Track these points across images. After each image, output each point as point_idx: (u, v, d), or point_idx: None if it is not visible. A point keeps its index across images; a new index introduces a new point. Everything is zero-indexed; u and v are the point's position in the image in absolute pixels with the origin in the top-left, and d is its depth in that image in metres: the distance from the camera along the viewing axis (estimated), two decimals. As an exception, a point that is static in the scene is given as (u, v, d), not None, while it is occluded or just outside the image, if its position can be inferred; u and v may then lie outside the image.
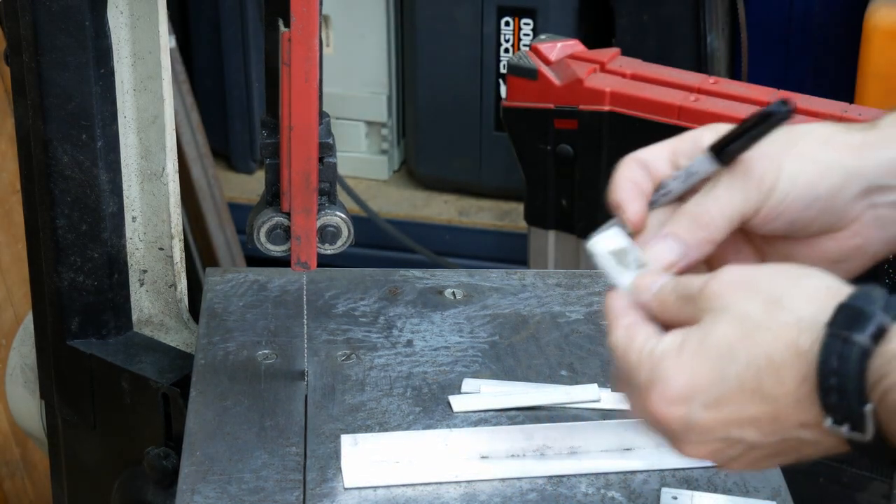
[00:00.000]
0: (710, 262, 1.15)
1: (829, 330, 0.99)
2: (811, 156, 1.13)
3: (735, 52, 3.35)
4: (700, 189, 1.13)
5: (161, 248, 1.66)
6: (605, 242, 1.13)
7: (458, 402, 1.46)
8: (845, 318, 0.99)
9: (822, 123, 1.17)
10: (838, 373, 0.98)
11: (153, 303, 1.69)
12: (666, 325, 1.09)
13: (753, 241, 1.18)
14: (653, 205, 1.15)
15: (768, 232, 1.15)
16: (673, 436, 1.06)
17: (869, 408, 0.97)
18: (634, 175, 1.16)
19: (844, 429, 0.99)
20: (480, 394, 1.48)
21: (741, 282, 1.06)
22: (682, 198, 1.14)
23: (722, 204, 1.11)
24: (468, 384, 1.49)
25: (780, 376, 1.01)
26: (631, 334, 1.09)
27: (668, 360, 1.04)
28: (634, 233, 1.15)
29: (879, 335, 0.98)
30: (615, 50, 2.66)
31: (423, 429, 1.42)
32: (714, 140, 1.12)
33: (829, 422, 0.99)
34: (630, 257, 1.12)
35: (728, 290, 1.05)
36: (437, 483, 1.35)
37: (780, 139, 1.12)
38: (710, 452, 1.06)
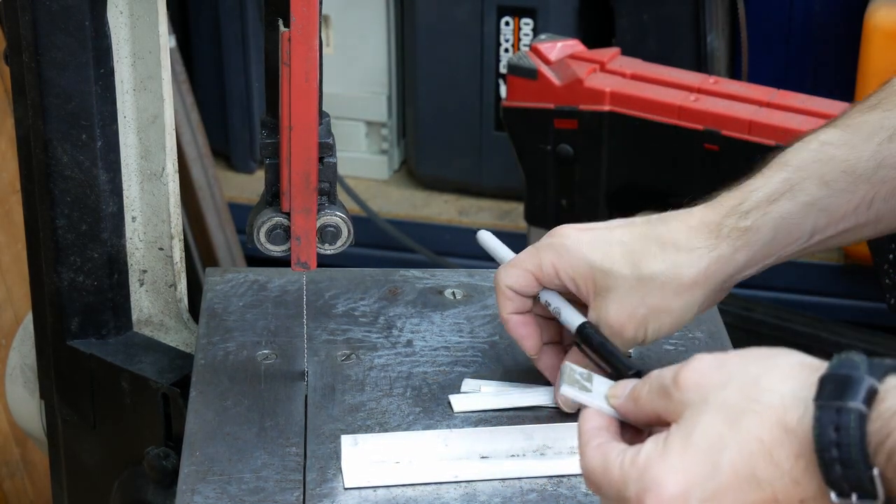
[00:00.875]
0: None
1: (820, 403, 0.98)
2: (667, 310, 1.36)
3: (735, 52, 3.35)
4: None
5: (161, 248, 1.66)
6: (568, 387, 1.17)
7: (458, 402, 1.46)
8: (833, 388, 0.98)
9: (670, 248, 1.36)
10: (838, 443, 0.96)
11: (153, 303, 1.69)
12: (640, 425, 1.11)
13: None
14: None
15: None
16: None
17: (876, 472, 0.96)
18: (516, 306, 1.42)
19: (853, 498, 0.97)
20: (480, 393, 1.48)
21: (714, 370, 1.06)
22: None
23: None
24: (468, 384, 1.49)
25: (774, 458, 1.00)
26: (604, 452, 1.08)
27: (656, 464, 1.03)
28: (533, 359, 1.45)
29: (871, 398, 0.97)
30: (615, 50, 2.67)
31: (423, 429, 1.42)
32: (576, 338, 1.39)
33: (833, 495, 0.98)
34: (584, 379, 1.17)
35: (703, 379, 1.06)
36: (437, 483, 1.35)
37: (634, 296, 1.35)
38: None
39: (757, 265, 1.38)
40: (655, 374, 1.10)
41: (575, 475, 1.36)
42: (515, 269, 1.41)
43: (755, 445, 1.00)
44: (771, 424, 1.00)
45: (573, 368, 1.16)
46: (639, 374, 1.32)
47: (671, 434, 1.04)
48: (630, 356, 1.48)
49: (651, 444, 1.05)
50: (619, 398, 1.12)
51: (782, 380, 1.02)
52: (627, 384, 1.12)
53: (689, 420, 1.04)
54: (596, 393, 1.14)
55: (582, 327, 1.38)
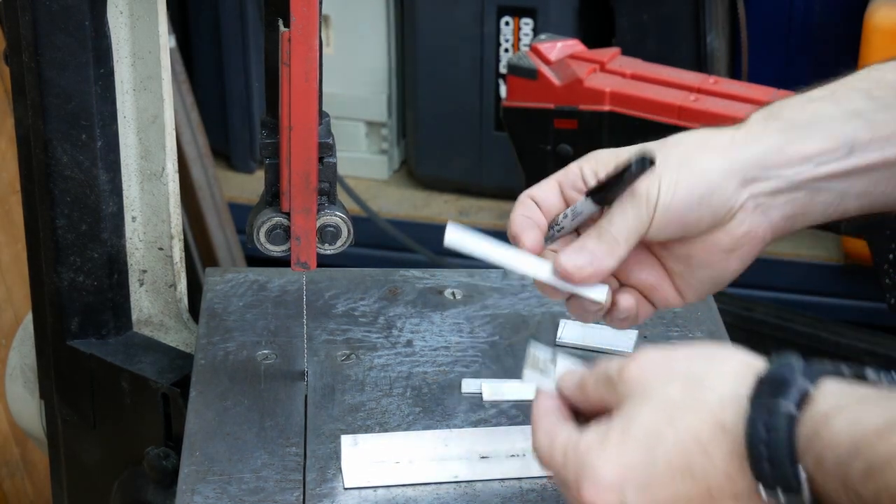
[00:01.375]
0: (617, 276, 1.27)
1: (754, 402, 1.00)
2: (687, 164, 1.21)
3: (735, 52, 3.35)
4: (587, 225, 1.24)
5: (161, 248, 1.66)
6: (531, 371, 1.18)
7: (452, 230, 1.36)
8: (768, 389, 1.00)
9: (693, 131, 1.25)
10: (767, 443, 0.98)
11: (153, 303, 1.69)
12: (589, 414, 1.12)
13: (652, 249, 1.26)
14: (548, 241, 1.25)
15: (664, 238, 1.23)
16: None
17: (803, 473, 0.98)
18: (528, 212, 1.26)
19: (781, 497, 0.99)
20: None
21: (659, 365, 1.07)
22: (578, 231, 1.26)
23: (618, 226, 1.21)
24: (468, 384, 1.49)
25: (709, 455, 1.01)
26: (552, 435, 1.10)
27: (594, 452, 1.05)
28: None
29: (803, 401, 0.99)
30: (615, 50, 2.67)
31: (423, 429, 1.42)
32: (593, 186, 1.23)
33: (763, 493, 1.00)
34: (546, 362, 1.17)
35: (647, 374, 1.07)
36: (437, 483, 1.35)
37: (657, 154, 1.20)
38: None
39: (789, 163, 1.22)
40: (603, 366, 1.11)
41: (575, 475, 1.36)
42: (541, 182, 1.29)
43: (691, 443, 1.02)
44: (708, 423, 1.02)
45: (537, 353, 1.17)
46: (644, 163, 1.20)
47: (611, 425, 1.06)
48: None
49: (592, 433, 1.07)
50: (568, 387, 1.13)
51: (723, 380, 1.03)
52: (576, 374, 1.14)
53: (628, 412, 1.06)
54: (557, 376, 1.16)
55: (590, 190, 1.24)
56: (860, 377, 1.00)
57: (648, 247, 1.26)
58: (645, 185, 1.20)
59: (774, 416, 0.98)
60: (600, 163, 1.26)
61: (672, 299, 1.28)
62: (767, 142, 1.22)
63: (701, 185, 1.21)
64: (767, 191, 1.22)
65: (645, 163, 1.18)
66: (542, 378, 1.16)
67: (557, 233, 1.26)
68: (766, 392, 1.00)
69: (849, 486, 0.96)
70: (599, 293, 1.24)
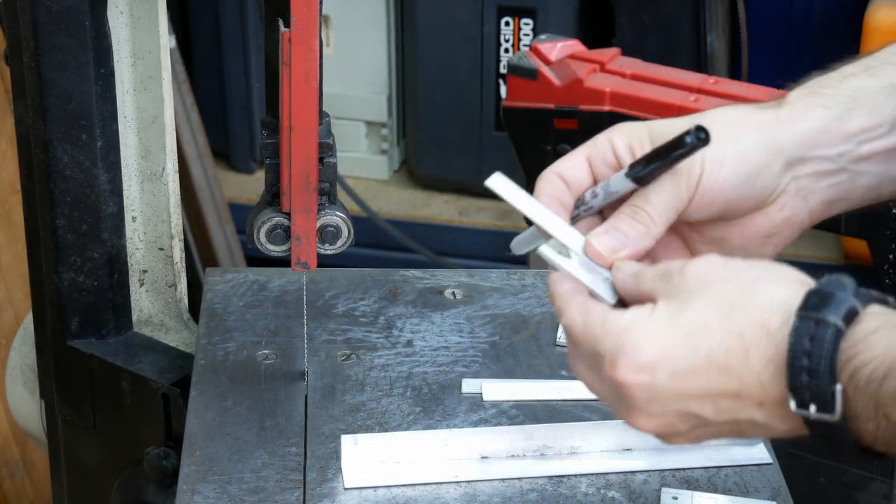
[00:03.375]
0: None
1: (802, 313, 1.02)
2: (732, 139, 1.15)
3: (735, 52, 3.35)
4: (613, 205, 1.17)
5: (161, 248, 1.66)
6: (548, 248, 1.14)
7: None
8: (818, 302, 1.02)
9: (732, 107, 1.20)
10: (810, 353, 1.00)
11: (153, 303, 1.69)
12: (627, 300, 1.11)
13: (680, 231, 1.20)
14: (574, 219, 1.17)
15: (704, 217, 1.17)
16: (631, 404, 1.07)
17: (839, 388, 0.99)
18: (554, 189, 1.17)
19: (812, 410, 1.00)
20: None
21: (720, 266, 1.08)
22: (601, 212, 1.18)
23: (655, 203, 1.14)
24: (468, 384, 1.49)
25: (749, 356, 1.03)
26: (586, 310, 1.10)
27: (637, 330, 1.06)
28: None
29: (850, 318, 1.01)
30: (615, 50, 2.66)
31: (423, 429, 1.42)
32: (635, 161, 1.15)
33: (793, 404, 1.01)
34: (569, 250, 1.14)
35: (706, 272, 1.08)
36: (437, 483, 1.35)
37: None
38: (661, 426, 1.08)
39: (832, 141, 1.18)
40: (664, 263, 1.11)
41: (575, 475, 1.36)
42: (567, 156, 1.19)
43: (735, 340, 1.03)
44: (755, 324, 1.03)
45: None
46: (701, 135, 1.11)
47: (660, 307, 1.06)
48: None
49: (636, 311, 1.07)
50: (623, 272, 1.12)
51: (777, 287, 1.05)
52: (634, 263, 1.13)
53: (681, 301, 1.06)
54: (575, 261, 1.13)
55: (631, 166, 1.15)
56: None
57: (676, 228, 1.19)
58: (687, 160, 1.13)
59: (821, 328, 1.00)
60: (633, 136, 1.18)
61: None
62: (812, 120, 1.18)
63: (748, 163, 1.15)
64: (810, 173, 1.18)
65: (702, 136, 1.11)
66: (559, 257, 1.13)
67: (584, 212, 1.18)
68: (815, 304, 1.01)
69: (878, 406, 0.97)
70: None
